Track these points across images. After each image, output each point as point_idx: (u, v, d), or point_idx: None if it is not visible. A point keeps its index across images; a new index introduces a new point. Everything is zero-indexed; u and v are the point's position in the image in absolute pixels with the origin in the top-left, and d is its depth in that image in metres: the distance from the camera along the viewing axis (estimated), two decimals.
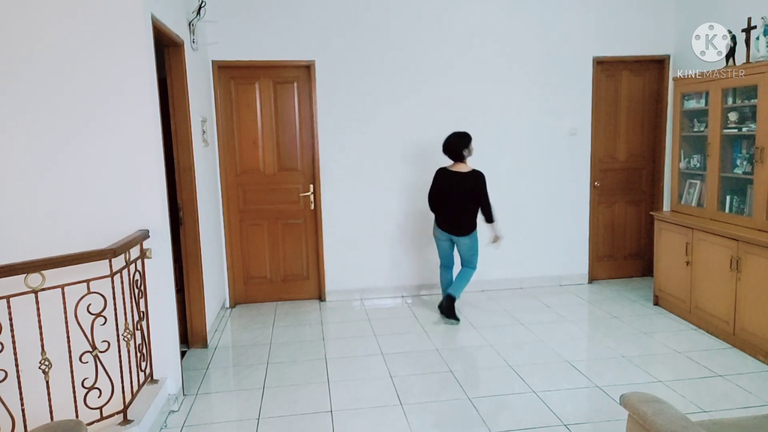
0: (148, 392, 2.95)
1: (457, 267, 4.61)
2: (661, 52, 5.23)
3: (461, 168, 4.28)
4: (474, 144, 4.36)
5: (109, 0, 2.80)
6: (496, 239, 4.49)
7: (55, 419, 2.35)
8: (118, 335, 2.68)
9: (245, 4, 4.72)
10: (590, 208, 5.37)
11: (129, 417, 2.67)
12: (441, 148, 4.33)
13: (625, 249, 5.56)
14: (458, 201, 4.26)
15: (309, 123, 4.98)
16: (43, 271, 2.33)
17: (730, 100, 4.06)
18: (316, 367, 3.70)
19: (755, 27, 3.94)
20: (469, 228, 4.31)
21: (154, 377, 3.09)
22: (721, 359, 3.64)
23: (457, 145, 4.26)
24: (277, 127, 4.97)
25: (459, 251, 4.45)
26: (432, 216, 4.54)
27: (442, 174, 4.35)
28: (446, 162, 4.41)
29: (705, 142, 4.26)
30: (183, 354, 3.83)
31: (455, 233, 4.33)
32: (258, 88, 4.90)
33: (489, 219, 4.32)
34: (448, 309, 4.40)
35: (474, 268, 4.47)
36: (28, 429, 2.25)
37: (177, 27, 3.66)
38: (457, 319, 4.42)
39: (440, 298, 4.59)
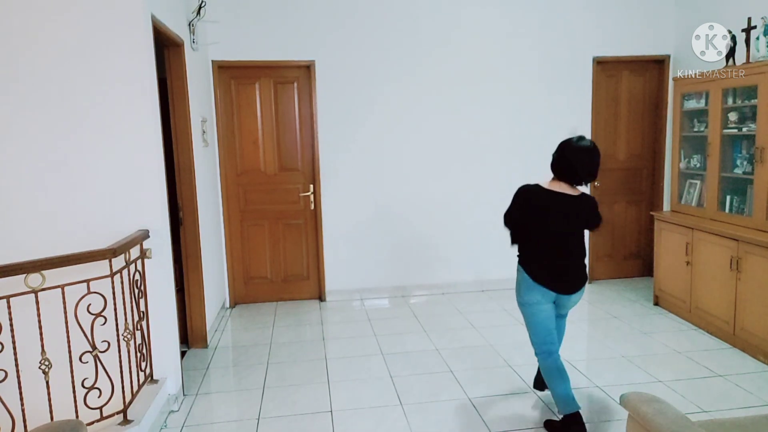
0: (148, 392, 2.95)
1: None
2: (661, 52, 5.23)
3: (570, 190, 2.74)
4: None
5: (109, 0, 2.80)
6: None
7: (55, 419, 2.36)
8: (118, 335, 2.68)
9: (245, 4, 4.72)
10: None
11: (129, 417, 2.67)
12: (555, 166, 2.78)
13: (625, 249, 5.56)
14: (573, 238, 2.80)
15: (309, 123, 4.98)
16: (43, 271, 2.33)
17: (730, 100, 4.05)
18: (316, 367, 3.70)
19: (755, 27, 3.94)
20: (586, 276, 2.87)
21: (154, 377, 3.09)
22: (721, 359, 3.64)
23: (596, 166, 2.72)
24: (278, 127, 4.97)
25: (559, 312, 2.90)
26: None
27: (539, 196, 2.74)
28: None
29: (705, 142, 4.26)
30: (183, 354, 3.83)
31: (571, 290, 2.77)
32: (258, 88, 4.90)
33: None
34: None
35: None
36: (28, 429, 2.25)
37: (177, 27, 3.66)
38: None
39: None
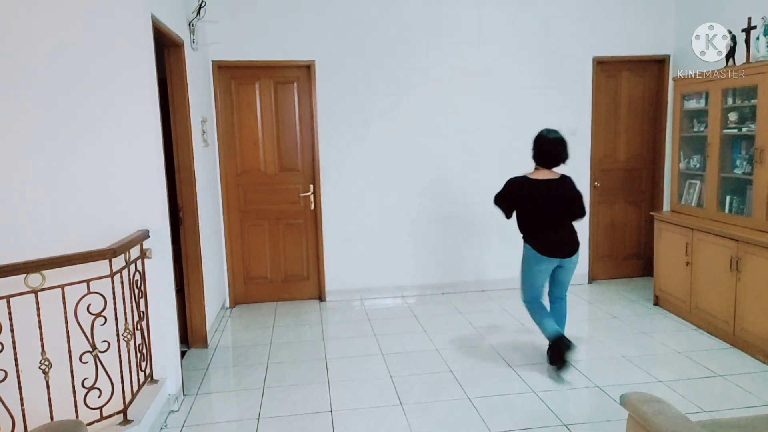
0: (148, 392, 2.95)
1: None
2: (661, 52, 5.23)
3: (550, 175, 3.40)
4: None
5: (109, 0, 2.80)
6: None
7: (55, 419, 2.35)
8: (118, 335, 2.68)
9: (245, 4, 4.72)
10: (590, 208, 5.37)
11: (129, 417, 2.67)
12: (534, 153, 3.44)
13: (625, 249, 5.56)
14: (563, 215, 3.42)
15: (309, 123, 4.98)
16: (43, 271, 2.33)
17: (730, 101, 4.05)
18: (316, 367, 3.70)
19: (755, 27, 3.94)
20: (578, 244, 3.48)
21: (154, 377, 3.09)
22: (721, 359, 3.64)
23: (565, 149, 3.39)
24: (278, 127, 4.97)
25: (561, 277, 3.52)
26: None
27: (528, 186, 3.38)
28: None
29: (705, 142, 4.26)
30: (183, 354, 3.83)
31: (567, 255, 3.42)
32: (258, 88, 4.90)
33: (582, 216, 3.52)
34: (568, 348, 3.34)
35: (566, 297, 3.67)
36: (28, 429, 2.25)
37: (177, 27, 3.66)
38: (569, 363, 3.44)
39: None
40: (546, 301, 3.63)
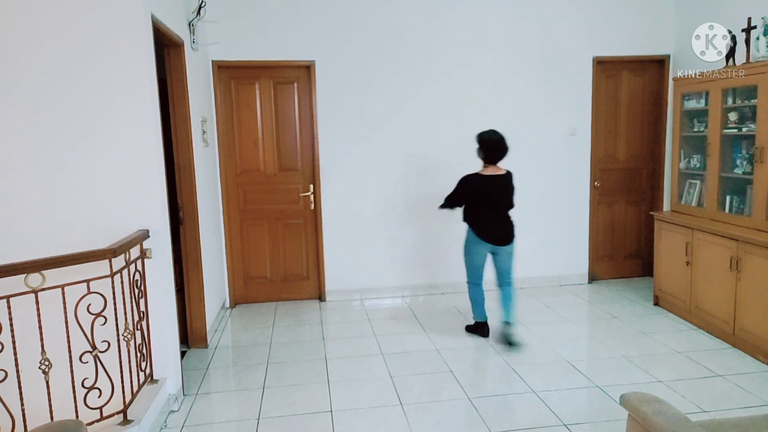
0: (148, 392, 2.95)
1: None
2: (661, 52, 5.23)
3: (497, 171, 3.89)
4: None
5: (109, 0, 2.80)
6: None
7: (55, 419, 2.35)
8: (118, 335, 2.68)
9: (245, 4, 4.72)
10: (590, 208, 5.37)
11: (129, 417, 2.67)
12: (480, 151, 3.90)
13: (625, 249, 5.56)
14: (503, 207, 3.92)
15: (309, 123, 4.98)
16: (43, 271, 2.33)
17: (730, 100, 4.05)
18: (316, 367, 3.70)
19: (755, 27, 3.94)
20: (514, 233, 3.96)
21: (154, 377, 3.09)
22: (721, 359, 3.64)
23: (507, 144, 3.85)
24: (278, 127, 4.97)
25: (498, 263, 3.98)
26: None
27: (478, 181, 3.88)
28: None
29: (705, 142, 4.26)
30: (183, 354, 3.83)
31: (502, 242, 3.91)
32: (258, 88, 4.90)
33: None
34: (510, 336, 3.93)
35: (513, 282, 4.06)
36: (28, 429, 2.25)
37: (177, 27, 3.66)
38: (519, 344, 3.93)
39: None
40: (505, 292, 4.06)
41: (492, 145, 3.84)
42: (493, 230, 3.89)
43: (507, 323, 3.96)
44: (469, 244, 4.00)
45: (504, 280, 4.02)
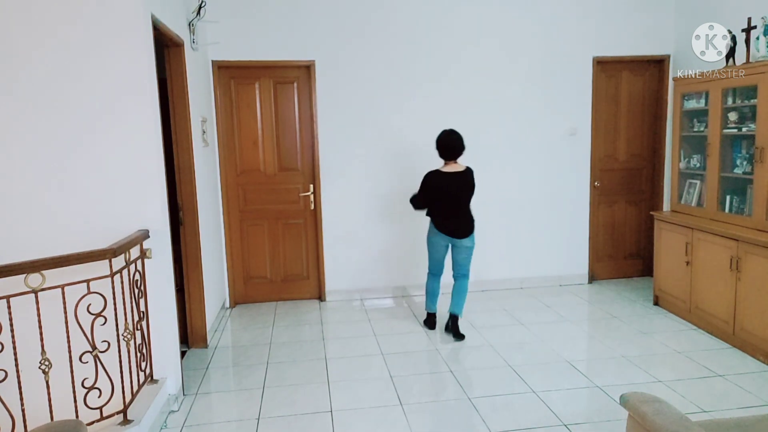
0: (148, 392, 2.95)
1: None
2: (661, 52, 5.23)
3: (457, 167, 4.05)
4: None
5: (109, 0, 2.80)
6: None
7: (55, 419, 2.36)
8: (118, 335, 2.68)
9: (245, 4, 4.72)
10: (590, 208, 5.37)
11: (129, 417, 2.67)
12: (437, 150, 4.09)
13: (625, 249, 5.56)
14: (462, 202, 4.06)
15: (309, 123, 4.98)
16: (43, 271, 2.33)
17: (730, 100, 4.05)
18: (316, 367, 3.70)
19: (755, 27, 3.94)
20: (473, 228, 4.12)
21: (154, 377, 3.09)
22: (721, 359, 3.64)
23: (461, 142, 4.03)
24: (277, 127, 4.97)
25: (456, 255, 4.15)
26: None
27: (438, 177, 4.03)
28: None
29: (705, 142, 4.26)
30: (183, 354, 3.83)
31: (459, 236, 4.07)
32: (258, 88, 4.90)
33: None
34: (456, 328, 4.15)
35: (468, 276, 4.22)
36: (28, 429, 2.25)
37: (177, 27, 3.66)
38: (463, 336, 4.12)
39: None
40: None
41: (445, 144, 4.03)
42: (452, 224, 4.05)
43: (453, 314, 4.16)
44: (429, 236, 4.20)
45: (459, 272, 4.17)
